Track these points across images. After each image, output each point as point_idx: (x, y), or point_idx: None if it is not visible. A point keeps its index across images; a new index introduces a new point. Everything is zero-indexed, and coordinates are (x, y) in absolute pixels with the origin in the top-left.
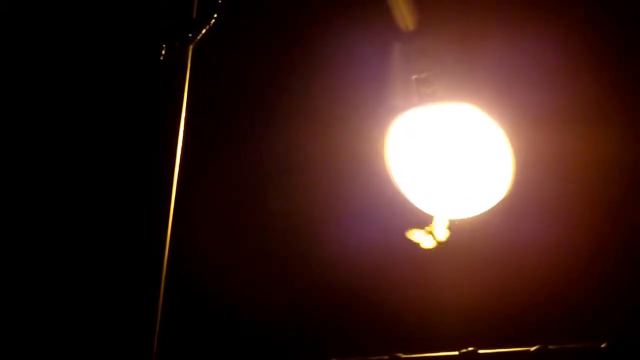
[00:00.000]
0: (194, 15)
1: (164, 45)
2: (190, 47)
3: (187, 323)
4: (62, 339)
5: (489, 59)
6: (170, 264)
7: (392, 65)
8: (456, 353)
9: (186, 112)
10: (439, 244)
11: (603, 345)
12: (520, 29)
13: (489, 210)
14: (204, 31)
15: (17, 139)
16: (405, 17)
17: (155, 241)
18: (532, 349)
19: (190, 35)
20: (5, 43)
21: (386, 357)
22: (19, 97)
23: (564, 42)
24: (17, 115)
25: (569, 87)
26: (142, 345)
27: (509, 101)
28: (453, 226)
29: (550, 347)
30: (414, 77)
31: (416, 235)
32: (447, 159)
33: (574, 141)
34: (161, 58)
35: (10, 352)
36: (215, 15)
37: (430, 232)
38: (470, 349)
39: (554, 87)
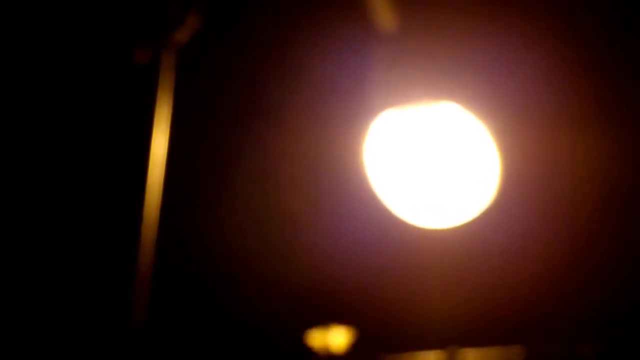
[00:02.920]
0: (178, 20)
1: (148, 49)
2: (173, 51)
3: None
4: (43, 339)
5: (474, 57)
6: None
7: (373, 65)
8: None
9: (170, 115)
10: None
11: (589, 348)
12: (507, 26)
13: (474, 217)
14: (187, 36)
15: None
16: (385, 15)
17: (136, 246)
18: (517, 352)
19: (173, 40)
20: None
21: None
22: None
23: (555, 40)
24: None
25: (560, 86)
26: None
27: (496, 101)
28: (437, 234)
29: (536, 350)
30: (395, 76)
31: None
32: (430, 163)
33: (565, 143)
34: (143, 63)
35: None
36: (200, 20)
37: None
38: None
39: (544, 86)
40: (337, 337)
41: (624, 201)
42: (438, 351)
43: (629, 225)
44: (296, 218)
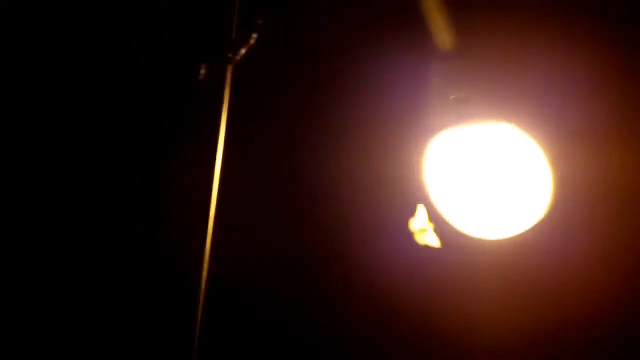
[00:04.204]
0: (234, 35)
1: (204, 66)
2: (230, 67)
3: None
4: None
5: (529, 77)
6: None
7: (430, 85)
8: None
9: (226, 132)
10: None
11: None
12: (562, 49)
13: (527, 231)
14: (243, 51)
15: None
16: (444, 36)
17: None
18: None
19: (230, 55)
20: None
21: None
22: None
23: (610, 61)
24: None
25: (614, 106)
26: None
27: (550, 121)
28: (490, 246)
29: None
30: (452, 96)
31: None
32: (485, 179)
33: (619, 161)
34: (201, 78)
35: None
36: (255, 36)
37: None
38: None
39: (598, 106)
40: None
41: None
42: None
43: None
44: (358, 232)
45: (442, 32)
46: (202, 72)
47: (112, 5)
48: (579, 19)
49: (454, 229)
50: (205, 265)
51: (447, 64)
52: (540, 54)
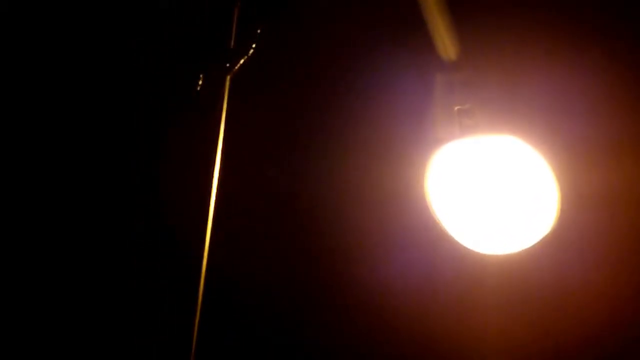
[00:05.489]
0: (232, 45)
1: (202, 75)
2: (228, 77)
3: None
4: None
5: (534, 90)
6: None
7: (434, 96)
8: None
9: (223, 142)
10: None
11: None
12: (566, 60)
13: (532, 246)
14: (242, 61)
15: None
16: (447, 47)
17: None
18: None
19: (228, 65)
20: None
21: None
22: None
23: (614, 73)
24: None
25: (619, 119)
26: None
27: (555, 134)
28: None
29: None
30: (456, 108)
31: None
32: (490, 192)
33: (624, 175)
34: (198, 88)
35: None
36: (254, 45)
37: None
38: None
39: (603, 119)
40: None
41: None
42: None
43: None
44: (359, 245)
45: (446, 43)
46: (200, 82)
47: (112, 6)
48: (584, 30)
49: (458, 244)
50: (204, 266)
51: (451, 75)
52: (545, 65)
